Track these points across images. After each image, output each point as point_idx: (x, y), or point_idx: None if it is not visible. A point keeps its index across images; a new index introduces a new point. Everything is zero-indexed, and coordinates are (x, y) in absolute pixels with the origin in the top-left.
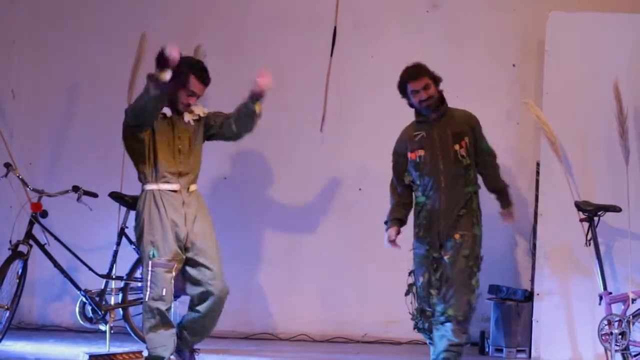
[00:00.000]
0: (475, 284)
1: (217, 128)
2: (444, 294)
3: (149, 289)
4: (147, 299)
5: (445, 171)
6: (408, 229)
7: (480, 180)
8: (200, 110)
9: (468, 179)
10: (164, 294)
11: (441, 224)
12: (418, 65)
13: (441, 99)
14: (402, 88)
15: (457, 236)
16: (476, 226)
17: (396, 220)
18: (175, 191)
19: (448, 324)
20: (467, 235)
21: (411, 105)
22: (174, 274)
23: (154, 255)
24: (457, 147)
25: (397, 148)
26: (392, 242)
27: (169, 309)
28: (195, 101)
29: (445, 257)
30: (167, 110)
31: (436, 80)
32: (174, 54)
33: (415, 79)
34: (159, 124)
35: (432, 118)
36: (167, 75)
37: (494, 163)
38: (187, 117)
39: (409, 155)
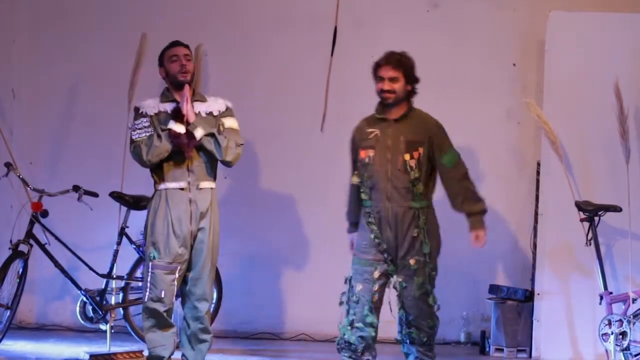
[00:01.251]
0: (432, 301)
1: None
2: (404, 317)
3: (147, 290)
4: (145, 300)
5: (392, 179)
6: None
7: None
8: (216, 105)
9: (415, 194)
10: (162, 295)
11: (390, 237)
12: (400, 55)
13: (407, 101)
14: (374, 70)
15: (412, 262)
16: (425, 245)
17: (355, 225)
18: (182, 189)
19: (413, 347)
20: (420, 260)
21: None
22: (176, 275)
23: (154, 257)
24: (407, 156)
25: (355, 135)
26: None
27: (168, 311)
28: (186, 64)
29: (399, 279)
30: (170, 108)
31: (411, 79)
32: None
33: (386, 64)
34: (161, 122)
35: (392, 118)
36: (181, 128)
37: (459, 179)
38: (198, 108)
39: (361, 152)
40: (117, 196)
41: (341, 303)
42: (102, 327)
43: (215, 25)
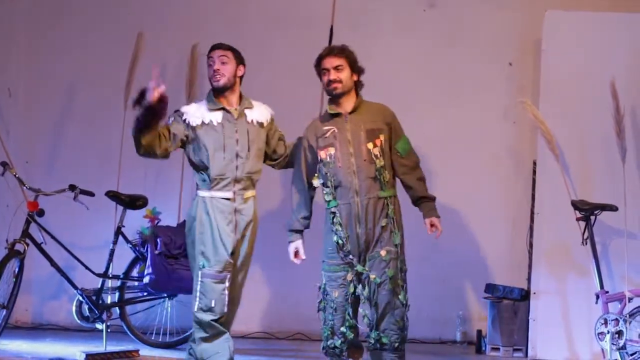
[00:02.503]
0: (402, 299)
1: (270, 153)
2: (375, 320)
3: (197, 299)
4: (195, 310)
5: (358, 172)
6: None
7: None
8: (263, 114)
9: (383, 182)
10: (212, 305)
11: (360, 232)
12: (341, 46)
13: (355, 91)
14: (317, 66)
15: (383, 253)
16: (396, 235)
17: (299, 232)
18: (228, 199)
19: (385, 353)
20: (392, 251)
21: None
22: (226, 285)
23: (203, 266)
24: (370, 145)
25: (308, 136)
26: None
27: (218, 320)
28: (219, 68)
29: (371, 277)
30: (217, 117)
31: (355, 68)
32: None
33: (330, 55)
34: (207, 133)
35: (346, 111)
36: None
37: (412, 167)
38: (250, 116)
39: (319, 152)
40: (113, 195)
41: (319, 310)
42: (99, 326)
43: (211, 25)
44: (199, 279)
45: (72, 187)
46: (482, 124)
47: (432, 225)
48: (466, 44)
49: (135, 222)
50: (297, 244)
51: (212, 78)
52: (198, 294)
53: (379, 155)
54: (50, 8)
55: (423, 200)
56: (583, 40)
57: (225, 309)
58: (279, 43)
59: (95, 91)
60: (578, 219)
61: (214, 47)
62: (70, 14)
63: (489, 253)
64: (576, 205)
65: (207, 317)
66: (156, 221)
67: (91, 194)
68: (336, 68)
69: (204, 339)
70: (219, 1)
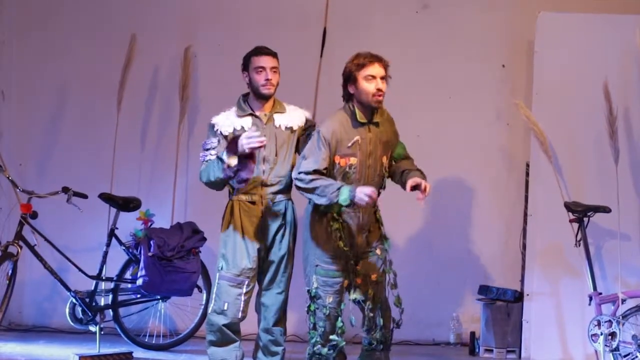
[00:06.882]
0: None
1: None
2: (373, 318)
3: (212, 301)
4: (209, 311)
5: (370, 184)
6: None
7: None
8: (296, 119)
9: (380, 191)
10: (225, 308)
11: (362, 239)
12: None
13: None
14: (358, 69)
15: (378, 251)
16: (383, 236)
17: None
18: (253, 202)
19: (381, 353)
20: (383, 248)
21: (347, 99)
22: (243, 290)
23: (221, 268)
24: (384, 159)
25: (330, 138)
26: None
27: (231, 324)
28: (271, 78)
29: (372, 277)
30: (246, 123)
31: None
32: (248, 146)
33: (380, 62)
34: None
35: (373, 121)
36: (233, 161)
37: (410, 163)
38: (278, 121)
39: (337, 159)
40: (107, 198)
41: (309, 314)
42: (92, 328)
43: (205, 26)
44: (217, 280)
45: (66, 190)
46: (475, 125)
47: (415, 186)
48: (459, 45)
49: (129, 224)
50: (365, 189)
51: (263, 86)
52: (214, 295)
53: (387, 169)
54: (42, 9)
55: (411, 170)
56: (576, 42)
57: (240, 315)
58: (272, 45)
59: (89, 93)
60: (571, 221)
61: (264, 53)
62: (62, 15)
63: (482, 255)
64: (569, 206)
65: (219, 319)
66: (149, 223)
67: (84, 196)
68: (383, 78)
69: (213, 343)
70: (212, 3)
